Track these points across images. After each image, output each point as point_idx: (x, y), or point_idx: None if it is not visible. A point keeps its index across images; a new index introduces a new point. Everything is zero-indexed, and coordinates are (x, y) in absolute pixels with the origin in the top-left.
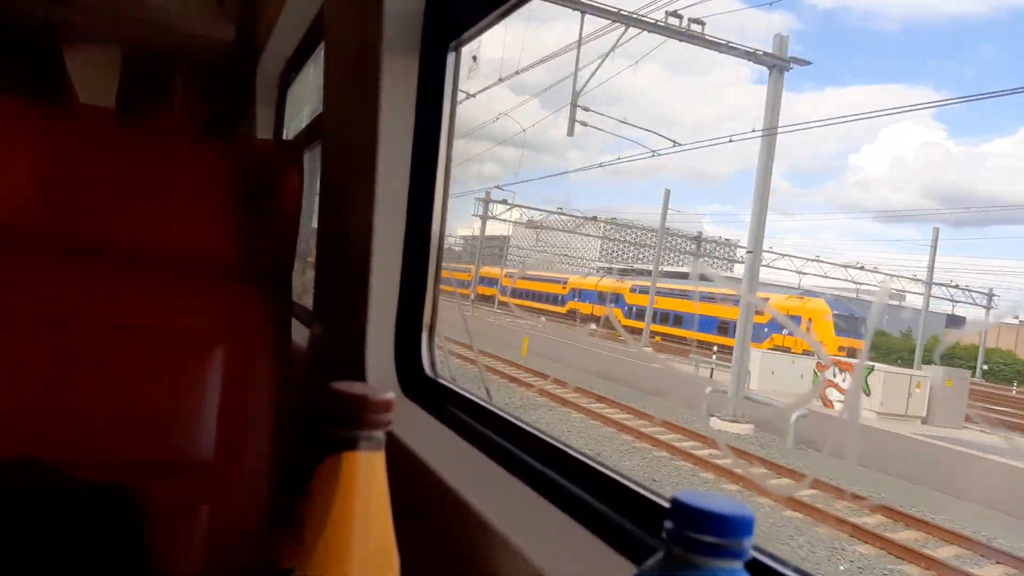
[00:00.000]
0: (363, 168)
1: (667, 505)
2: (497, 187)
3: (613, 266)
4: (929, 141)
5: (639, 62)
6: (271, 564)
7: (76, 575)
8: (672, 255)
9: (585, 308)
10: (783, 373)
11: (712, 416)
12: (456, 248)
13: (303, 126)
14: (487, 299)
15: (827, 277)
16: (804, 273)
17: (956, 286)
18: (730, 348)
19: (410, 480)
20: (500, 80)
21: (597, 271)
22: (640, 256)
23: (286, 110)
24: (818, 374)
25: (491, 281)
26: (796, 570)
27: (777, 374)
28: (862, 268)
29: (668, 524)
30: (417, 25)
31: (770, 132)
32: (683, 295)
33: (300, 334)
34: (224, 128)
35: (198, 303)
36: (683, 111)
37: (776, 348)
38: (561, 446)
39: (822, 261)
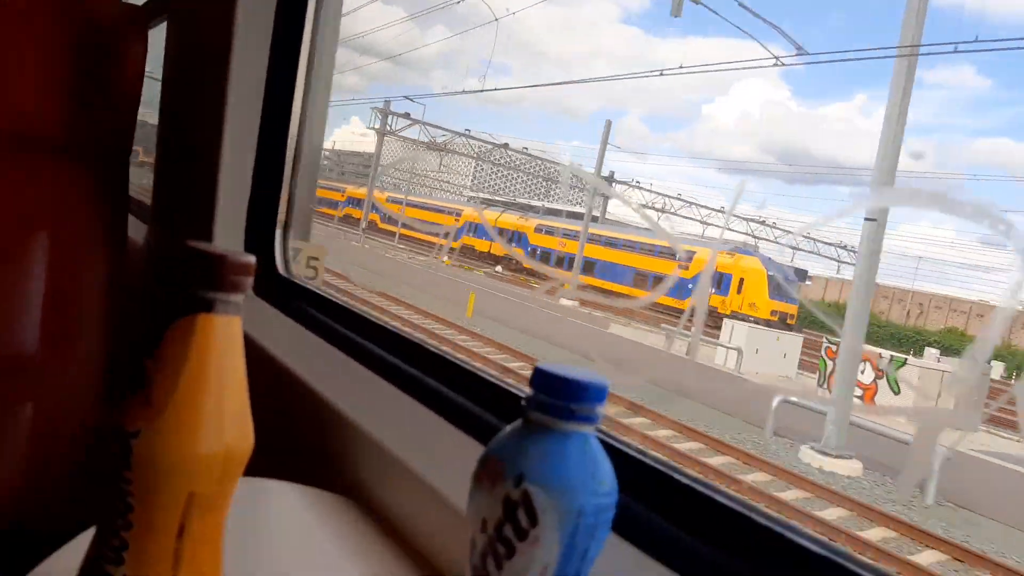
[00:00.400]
0: (217, 46)
1: (515, 392)
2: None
3: (495, 198)
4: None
5: None
6: (116, 426)
7: None
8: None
9: (481, 245)
10: (768, 352)
11: (803, 446)
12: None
13: None
14: (374, 229)
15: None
16: (707, 223)
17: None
18: (668, 308)
19: (264, 378)
20: None
21: (470, 201)
22: (526, 190)
23: None
24: (826, 361)
25: (372, 207)
26: (634, 448)
27: (761, 353)
28: (763, 223)
29: (528, 391)
30: None
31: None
32: (597, 240)
33: (136, 230)
34: None
35: (21, 179)
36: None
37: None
38: (414, 340)
39: (723, 213)
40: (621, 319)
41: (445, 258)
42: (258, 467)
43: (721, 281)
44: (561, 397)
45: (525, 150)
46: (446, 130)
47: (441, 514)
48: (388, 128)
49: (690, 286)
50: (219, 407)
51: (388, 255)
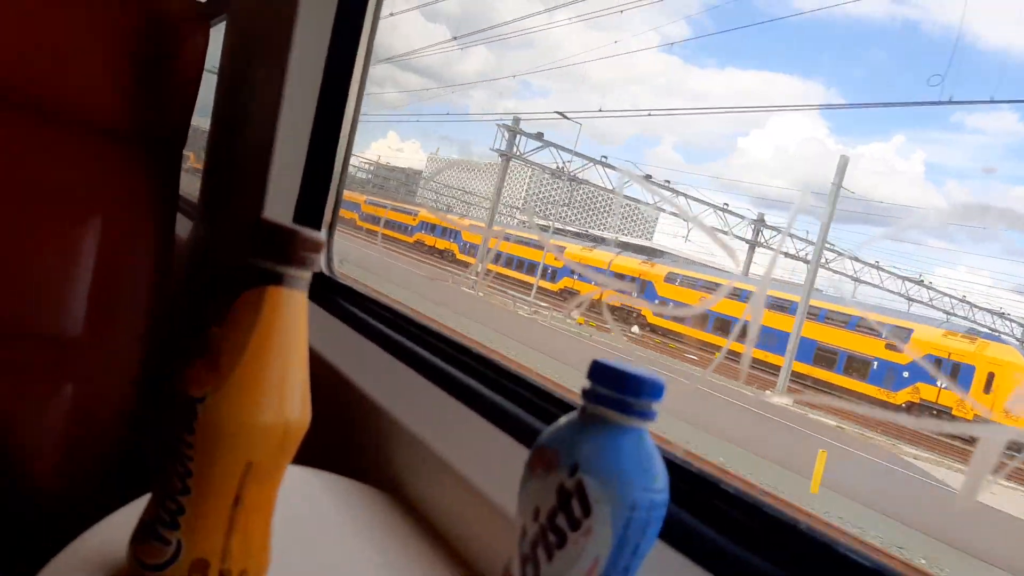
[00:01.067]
0: (275, 49)
1: (558, 396)
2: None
3: (567, 228)
4: (812, 136)
5: (552, 10)
6: (181, 392)
7: None
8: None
9: (583, 288)
10: None
11: None
12: (359, 175)
13: None
14: (452, 260)
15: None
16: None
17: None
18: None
19: (313, 376)
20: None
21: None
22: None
23: None
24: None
25: (448, 235)
26: (681, 459)
27: None
28: (920, 282)
29: (586, 384)
30: None
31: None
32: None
33: (182, 227)
34: None
35: (79, 161)
36: (592, 66)
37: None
38: (456, 340)
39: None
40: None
41: (577, 315)
42: (305, 457)
43: (956, 373)
44: (619, 390)
45: (668, 183)
46: (582, 156)
47: (479, 512)
48: (515, 151)
49: (905, 374)
50: (282, 379)
51: (521, 312)
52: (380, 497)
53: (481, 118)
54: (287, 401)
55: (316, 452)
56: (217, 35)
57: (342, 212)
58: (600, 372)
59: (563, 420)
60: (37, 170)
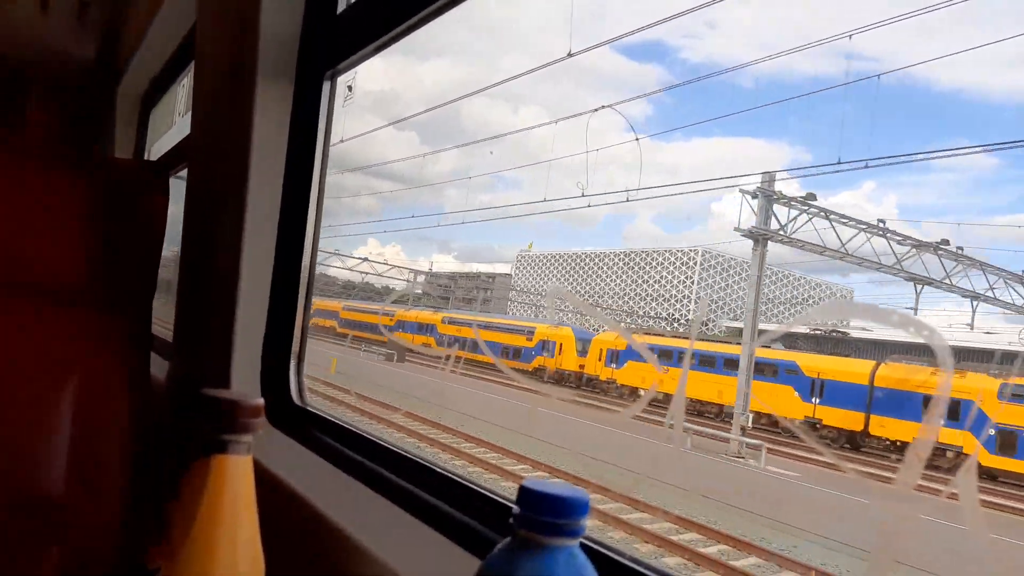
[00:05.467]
0: (232, 194)
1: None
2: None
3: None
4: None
5: (519, 106)
6: (138, 565)
7: None
8: None
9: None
10: None
11: None
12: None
13: (166, 149)
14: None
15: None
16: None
17: None
18: None
19: (276, 506)
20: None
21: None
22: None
23: (148, 133)
24: None
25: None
26: (620, 553)
27: None
28: None
29: (515, 509)
30: (293, 51)
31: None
32: None
33: (159, 368)
34: (81, 148)
35: (50, 330)
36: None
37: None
38: (424, 462)
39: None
40: None
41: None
42: None
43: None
44: (545, 514)
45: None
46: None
47: None
48: (778, 228)
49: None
50: (232, 542)
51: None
52: None
53: (491, 217)
54: (238, 561)
55: None
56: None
57: (414, 339)
58: (527, 496)
59: (500, 546)
60: (6, 340)
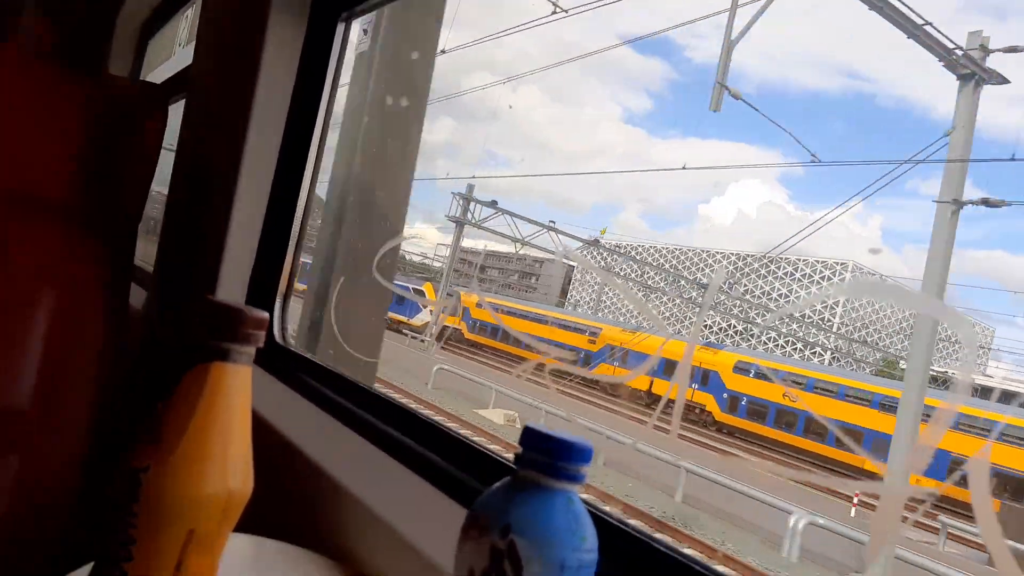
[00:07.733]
0: (231, 129)
1: (499, 459)
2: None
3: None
4: (772, 202)
5: (518, 84)
6: (126, 463)
7: None
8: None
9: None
10: None
11: None
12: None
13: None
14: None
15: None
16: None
17: None
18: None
19: (258, 442)
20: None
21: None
22: None
23: (144, 64)
24: None
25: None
26: (616, 518)
27: None
28: None
29: (518, 449)
30: None
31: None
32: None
33: (137, 299)
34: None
35: (31, 240)
36: (557, 137)
37: None
38: (407, 408)
39: None
40: None
41: None
42: (249, 524)
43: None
44: (549, 455)
45: None
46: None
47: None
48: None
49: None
50: (225, 451)
51: None
52: (324, 563)
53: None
54: (229, 472)
55: (261, 519)
56: (177, 111)
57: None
58: (531, 438)
59: (497, 484)
60: None
